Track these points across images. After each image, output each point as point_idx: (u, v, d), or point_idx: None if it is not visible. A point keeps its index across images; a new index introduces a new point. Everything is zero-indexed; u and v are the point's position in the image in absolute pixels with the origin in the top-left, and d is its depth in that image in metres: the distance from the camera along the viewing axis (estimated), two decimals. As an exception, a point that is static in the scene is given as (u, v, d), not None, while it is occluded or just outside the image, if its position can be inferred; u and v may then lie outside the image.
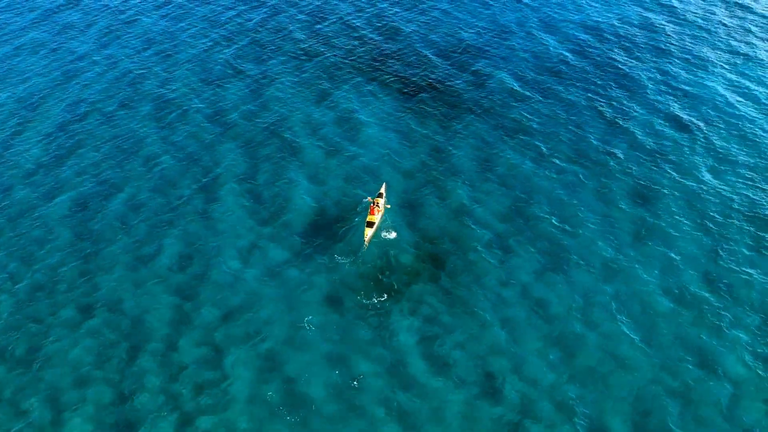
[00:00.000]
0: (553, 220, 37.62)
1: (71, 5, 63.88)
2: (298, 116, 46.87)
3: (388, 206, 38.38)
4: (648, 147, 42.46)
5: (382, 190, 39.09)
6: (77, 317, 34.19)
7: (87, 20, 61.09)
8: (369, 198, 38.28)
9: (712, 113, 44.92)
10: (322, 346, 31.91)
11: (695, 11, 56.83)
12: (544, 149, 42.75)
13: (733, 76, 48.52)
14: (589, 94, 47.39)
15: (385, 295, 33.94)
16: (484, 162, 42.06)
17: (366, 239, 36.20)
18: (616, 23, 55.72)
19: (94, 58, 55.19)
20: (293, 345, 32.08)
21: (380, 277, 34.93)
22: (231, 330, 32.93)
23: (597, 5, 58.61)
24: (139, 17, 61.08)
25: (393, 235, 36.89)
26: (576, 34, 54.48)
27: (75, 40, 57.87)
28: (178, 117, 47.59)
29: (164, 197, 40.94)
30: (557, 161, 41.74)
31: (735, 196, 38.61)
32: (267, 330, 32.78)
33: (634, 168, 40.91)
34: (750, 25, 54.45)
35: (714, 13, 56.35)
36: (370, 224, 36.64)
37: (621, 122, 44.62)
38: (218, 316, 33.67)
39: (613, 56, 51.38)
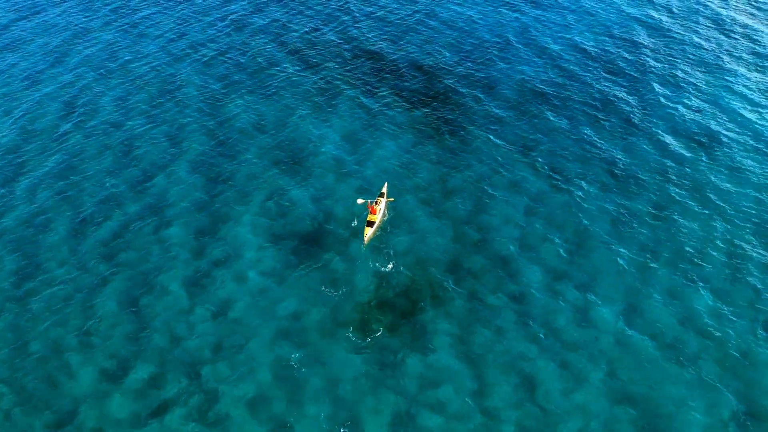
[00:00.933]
0: (530, 254, 35.37)
1: (26, 18, 60.53)
2: (266, 137, 44.29)
3: (392, 199, 38.01)
4: (633, 174, 40.28)
5: (384, 189, 38.35)
6: (9, 355, 31.55)
7: (41, 35, 57.95)
8: (356, 222, 36.75)
9: (703, 139, 42.78)
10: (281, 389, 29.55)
11: (685, 26, 54.91)
12: (523, 173, 40.49)
13: (726, 95, 46.47)
14: (575, 115, 45.24)
15: (360, 332, 31.74)
16: (463, 184, 39.76)
17: (365, 239, 35.53)
18: (604, 39, 53.70)
19: (49, 73, 52.23)
20: (241, 389, 29.73)
21: (354, 313, 32.66)
22: (183, 373, 30.51)
23: (584, 17, 56.58)
24: (97, 30, 58.34)
25: (389, 266, 34.93)
26: (563, 51, 52.33)
27: (32, 56, 54.55)
28: (135, 136, 44.79)
29: (115, 222, 38.24)
30: (537, 186, 39.51)
31: (722, 226, 36.57)
32: (224, 371, 30.35)
33: (614, 197, 38.76)
34: (744, 42, 52.57)
35: (706, 27, 54.48)
36: (370, 224, 36.10)
37: (605, 146, 42.47)
38: (171, 356, 31.22)
39: (601, 74, 49.33)
